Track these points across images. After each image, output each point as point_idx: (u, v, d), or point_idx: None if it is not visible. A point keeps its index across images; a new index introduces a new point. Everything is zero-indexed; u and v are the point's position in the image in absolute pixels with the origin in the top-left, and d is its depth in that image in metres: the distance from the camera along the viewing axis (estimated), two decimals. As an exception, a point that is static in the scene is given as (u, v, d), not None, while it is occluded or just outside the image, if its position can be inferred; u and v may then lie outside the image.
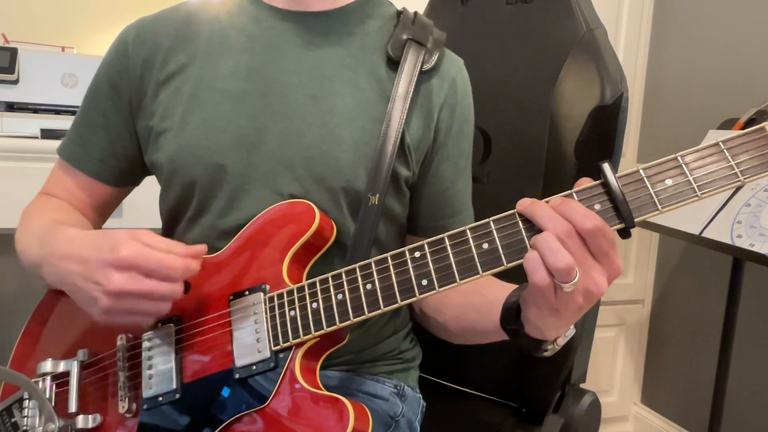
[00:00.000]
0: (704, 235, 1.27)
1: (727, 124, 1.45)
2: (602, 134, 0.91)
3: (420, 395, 0.87)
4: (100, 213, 0.83)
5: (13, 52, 1.47)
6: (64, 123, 1.48)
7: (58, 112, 1.53)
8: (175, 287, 0.60)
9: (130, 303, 0.59)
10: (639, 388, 2.03)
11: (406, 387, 0.83)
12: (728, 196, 1.26)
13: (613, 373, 2.01)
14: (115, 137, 0.78)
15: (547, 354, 0.60)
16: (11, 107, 1.49)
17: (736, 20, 1.65)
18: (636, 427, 2.02)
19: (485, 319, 0.65)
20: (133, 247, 0.58)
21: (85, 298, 0.61)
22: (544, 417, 0.94)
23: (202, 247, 0.63)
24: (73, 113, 1.50)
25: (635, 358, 2.01)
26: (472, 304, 0.69)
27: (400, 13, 0.79)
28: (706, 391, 1.59)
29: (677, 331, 1.88)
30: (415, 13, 0.79)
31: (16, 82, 1.48)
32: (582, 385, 0.99)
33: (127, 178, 0.81)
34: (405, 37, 0.75)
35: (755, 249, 1.14)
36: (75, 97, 1.53)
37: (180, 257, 0.60)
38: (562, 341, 0.59)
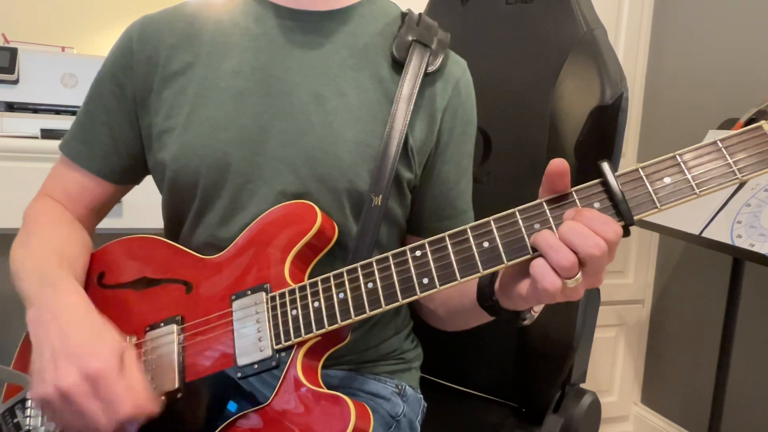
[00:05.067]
0: (704, 235, 1.27)
1: (727, 124, 1.45)
2: (602, 134, 0.91)
3: (421, 395, 0.87)
4: (97, 213, 0.83)
5: (13, 52, 1.46)
6: (64, 123, 1.48)
7: (58, 112, 1.53)
8: (109, 425, 0.56)
9: (66, 408, 0.56)
10: (639, 388, 2.03)
11: (407, 387, 0.83)
12: (728, 195, 1.27)
13: (613, 373, 2.01)
14: (118, 134, 0.77)
15: (526, 323, 0.62)
16: (11, 107, 1.49)
17: (736, 20, 1.65)
18: (636, 427, 2.02)
19: (464, 298, 0.68)
20: (108, 365, 0.56)
21: (38, 371, 0.57)
22: (544, 417, 0.94)
23: (158, 407, 0.60)
24: (74, 113, 1.50)
25: (635, 358, 2.01)
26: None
27: (404, 15, 0.78)
28: (706, 391, 1.59)
29: (677, 331, 1.88)
30: (420, 14, 0.79)
31: (16, 82, 1.48)
32: (582, 385, 0.99)
33: (129, 176, 0.81)
34: (410, 38, 0.75)
35: (755, 249, 1.14)
36: (75, 97, 1.53)
37: (134, 405, 0.56)
38: (539, 308, 0.60)
